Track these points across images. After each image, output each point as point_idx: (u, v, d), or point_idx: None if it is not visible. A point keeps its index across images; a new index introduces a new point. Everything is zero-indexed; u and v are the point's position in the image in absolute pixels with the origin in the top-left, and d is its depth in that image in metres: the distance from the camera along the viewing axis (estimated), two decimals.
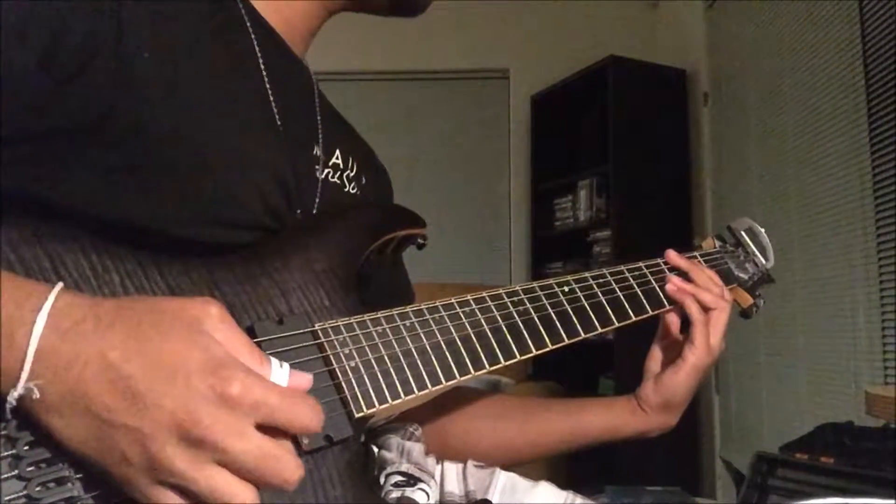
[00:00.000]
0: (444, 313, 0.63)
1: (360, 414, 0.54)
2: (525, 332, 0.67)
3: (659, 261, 0.83)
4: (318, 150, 0.70)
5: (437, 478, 0.73)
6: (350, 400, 0.54)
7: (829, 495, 1.17)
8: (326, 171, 0.71)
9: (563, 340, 0.69)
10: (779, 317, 2.49)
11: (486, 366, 0.63)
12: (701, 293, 0.79)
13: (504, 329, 0.66)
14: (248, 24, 0.65)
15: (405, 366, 0.58)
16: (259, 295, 0.55)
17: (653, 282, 0.80)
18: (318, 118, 0.72)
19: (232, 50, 0.62)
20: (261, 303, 0.55)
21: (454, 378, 0.61)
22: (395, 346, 0.58)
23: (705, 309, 0.79)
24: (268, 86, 0.64)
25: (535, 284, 0.70)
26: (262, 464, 0.40)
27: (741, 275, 0.89)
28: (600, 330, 0.73)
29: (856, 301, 2.12)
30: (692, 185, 3.26)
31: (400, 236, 0.69)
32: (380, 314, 0.59)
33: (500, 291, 0.68)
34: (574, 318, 0.71)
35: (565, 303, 0.71)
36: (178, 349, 0.40)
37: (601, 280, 0.76)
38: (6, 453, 0.41)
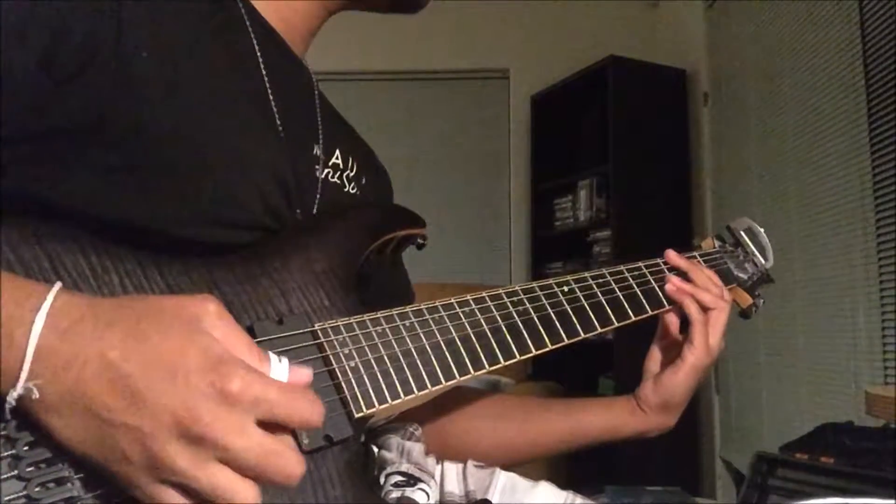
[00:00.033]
0: (443, 313, 0.63)
1: (360, 414, 0.54)
2: (525, 333, 0.67)
3: (658, 261, 0.83)
4: (318, 150, 0.70)
5: (437, 478, 0.73)
6: (350, 400, 0.54)
7: (829, 495, 1.17)
8: (326, 171, 0.71)
9: (563, 340, 0.69)
10: (779, 317, 2.49)
11: (486, 366, 0.63)
12: (700, 293, 0.79)
13: (504, 329, 0.66)
14: (248, 24, 0.65)
15: (405, 366, 0.58)
16: (259, 295, 0.55)
17: (652, 282, 0.80)
18: (319, 118, 0.72)
19: (232, 50, 0.62)
20: (260, 303, 0.55)
21: (454, 378, 0.61)
22: (395, 346, 0.58)
23: (704, 309, 0.79)
24: (268, 86, 0.64)
25: (534, 284, 0.71)
26: (264, 460, 0.40)
27: (740, 275, 0.90)
28: (600, 330, 0.73)
29: (856, 301, 2.12)
30: (692, 185, 3.26)
31: (400, 236, 0.69)
32: (379, 314, 0.59)
33: (500, 291, 0.68)
34: (573, 319, 0.71)
35: (565, 303, 0.71)
36: (177, 347, 0.40)
37: (601, 280, 0.76)
38: (6, 453, 0.41)
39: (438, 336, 0.61)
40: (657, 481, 2.16)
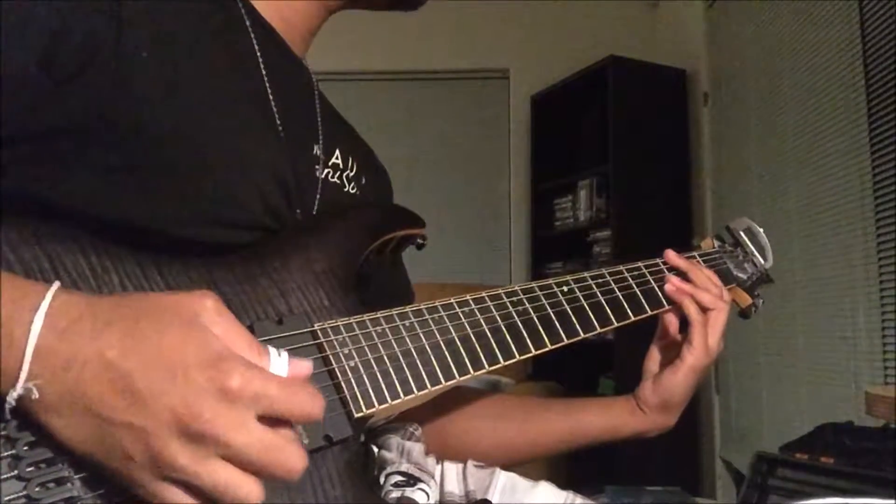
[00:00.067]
0: (443, 313, 0.63)
1: (360, 414, 0.54)
2: (524, 333, 0.67)
3: (658, 261, 0.83)
4: (318, 150, 0.70)
5: (437, 478, 0.73)
6: (349, 400, 0.54)
7: (829, 495, 1.17)
8: (326, 170, 0.71)
9: (563, 340, 0.69)
10: (779, 317, 2.49)
11: (486, 366, 0.63)
12: (699, 293, 0.79)
13: (503, 329, 0.66)
14: (248, 24, 0.65)
15: (404, 366, 0.58)
16: (258, 295, 0.55)
17: (652, 282, 0.80)
18: (318, 118, 0.72)
19: (232, 50, 0.62)
20: (260, 303, 0.55)
21: (453, 378, 0.61)
22: (395, 346, 0.59)
23: (704, 309, 0.79)
24: (268, 86, 0.64)
25: (534, 284, 0.71)
26: (265, 455, 0.40)
27: (740, 275, 0.90)
28: (599, 330, 0.73)
29: (856, 301, 2.12)
30: (692, 185, 3.26)
31: (399, 236, 0.69)
32: (379, 314, 0.59)
33: (500, 291, 0.68)
34: (573, 318, 0.71)
35: (564, 303, 0.71)
36: (176, 344, 0.40)
37: (600, 280, 0.76)
38: (6, 453, 0.41)
39: (438, 336, 0.61)
40: (657, 481, 2.16)
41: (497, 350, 0.64)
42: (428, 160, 3.84)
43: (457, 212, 3.81)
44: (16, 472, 0.40)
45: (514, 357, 0.65)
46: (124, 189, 0.54)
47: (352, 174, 0.75)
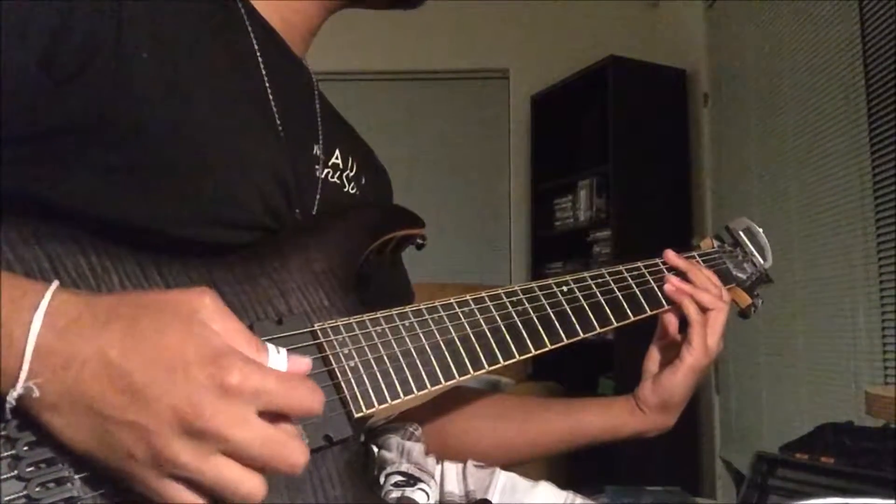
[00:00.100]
0: (443, 313, 0.63)
1: (360, 414, 0.54)
2: (524, 333, 0.67)
3: (657, 261, 0.83)
4: (317, 150, 0.70)
5: (437, 478, 0.73)
6: (349, 400, 0.54)
7: (829, 495, 1.17)
8: (326, 170, 0.71)
9: (562, 340, 0.69)
10: (779, 317, 2.49)
11: (486, 366, 0.63)
12: (699, 293, 0.79)
13: (503, 329, 0.66)
14: (248, 24, 0.65)
15: (404, 366, 0.58)
16: (258, 295, 0.55)
17: (651, 282, 0.80)
18: (318, 118, 0.72)
19: (232, 50, 0.62)
20: (260, 303, 0.55)
21: (453, 378, 0.61)
22: (395, 346, 0.59)
23: (703, 309, 0.79)
24: (268, 86, 0.64)
25: (533, 285, 0.71)
26: (267, 450, 0.41)
27: (739, 275, 0.90)
28: (599, 330, 0.73)
29: (856, 301, 2.12)
30: (692, 185, 3.26)
31: (399, 236, 0.69)
32: (379, 314, 0.59)
33: (499, 292, 0.68)
34: (573, 319, 0.71)
35: (564, 303, 0.71)
36: (175, 342, 0.40)
37: (600, 280, 0.76)
38: (6, 454, 0.41)
39: (438, 336, 0.61)
40: (657, 481, 2.16)
41: (497, 350, 0.64)
42: (428, 160, 3.84)
43: (457, 212, 3.81)
44: (16, 472, 0.40)
45: (514, 357, 0.65)
46: (124, 189, 0.54)
47: (352, 174, 0.75)
